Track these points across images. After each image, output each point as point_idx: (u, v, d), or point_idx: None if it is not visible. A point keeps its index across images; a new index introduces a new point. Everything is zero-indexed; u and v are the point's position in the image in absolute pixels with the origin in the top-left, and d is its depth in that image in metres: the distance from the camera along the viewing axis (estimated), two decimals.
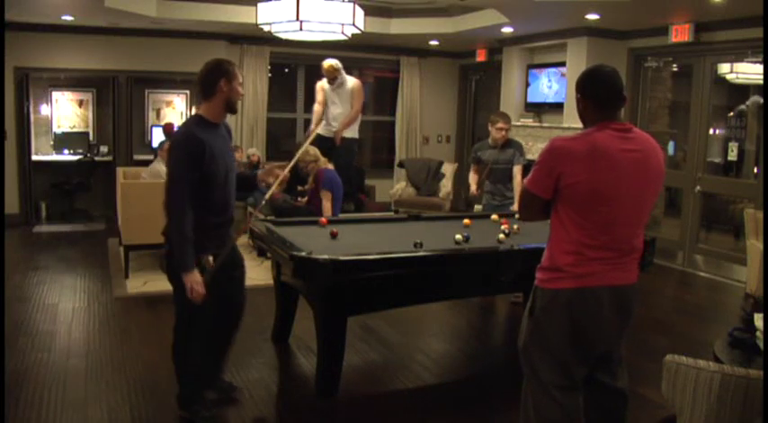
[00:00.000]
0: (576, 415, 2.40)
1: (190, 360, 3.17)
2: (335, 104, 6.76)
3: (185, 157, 2.79)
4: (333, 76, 6.65)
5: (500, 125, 5.32)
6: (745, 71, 6.83)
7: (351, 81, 6.78)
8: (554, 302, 2.31)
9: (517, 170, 5.30)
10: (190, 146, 2.80)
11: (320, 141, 6.42)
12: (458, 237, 3.85)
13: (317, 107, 6.88)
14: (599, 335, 2.34)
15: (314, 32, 5.28)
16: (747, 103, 7.00)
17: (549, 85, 8.13)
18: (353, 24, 5.17)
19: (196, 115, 2.95)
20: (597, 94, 2.31)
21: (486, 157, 5.41)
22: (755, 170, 6.50)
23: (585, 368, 2.41)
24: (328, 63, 6.63)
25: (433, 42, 9.20)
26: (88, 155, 8.41)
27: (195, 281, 2.87)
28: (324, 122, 6.85)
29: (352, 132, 6.90)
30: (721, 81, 6.95)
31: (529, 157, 8.22)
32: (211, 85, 2.87)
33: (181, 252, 2.84)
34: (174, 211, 2.82)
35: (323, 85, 6.83)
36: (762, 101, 6.84)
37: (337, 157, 6.49)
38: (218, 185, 2.91)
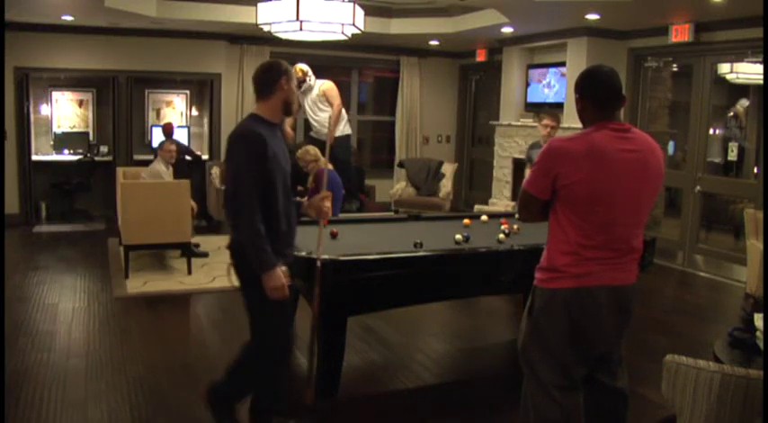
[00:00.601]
0: (576, 415, 2.40)
1: (253, 383, 2.93)
2: (317, 108, 6.99)
3: (246, 152, 2.62)
4: (302, 80, 6.86)
5: (545, 122, 5.28)
6: (745, 71, 6.84)
7: (319, 84, 6.93)
8: (553, 302, 2.31)
9: None
10: (250, 140, 2.64)
11: (313, 145, 6.63)
12: (458, 237, 3.85)
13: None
14: (598, 335, 2.34)
15: (314, 32, 5.28)
16: (737, 105, 7.03)
17: (549, 84, 8.13)
18: (353, 24, 5.17)
19: (252, 114, 2.77)
20: (595, 94, 2.31)
21: (534, 157, 5.36)
22: (755, 170, 6.50)
23: (585, 368, 2.41)
24: (299, 67, 6.87)
25: (433, 42, 9.20)
26: (88, 155, 8.41)
27: (279, 283, 2.65)
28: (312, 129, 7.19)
29: (342, 130, 7.02)
30: (721, 81, 6.95)
31: None
32: (271, 84, 2.75)
33: (259, 251, 2.61)
34: (244, 208, 2.61)
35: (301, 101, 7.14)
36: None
37: (334, 157, 6.54)
38: (277, 189, 2.71)
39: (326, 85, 6.95)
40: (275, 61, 2.86)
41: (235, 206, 2.64)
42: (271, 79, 2.76)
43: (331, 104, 6.91)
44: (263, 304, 2.72)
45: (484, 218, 4.70)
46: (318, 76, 7.03)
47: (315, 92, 6.96)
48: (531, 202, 2.35)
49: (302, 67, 6.97)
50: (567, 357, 2.34)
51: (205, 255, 6.57)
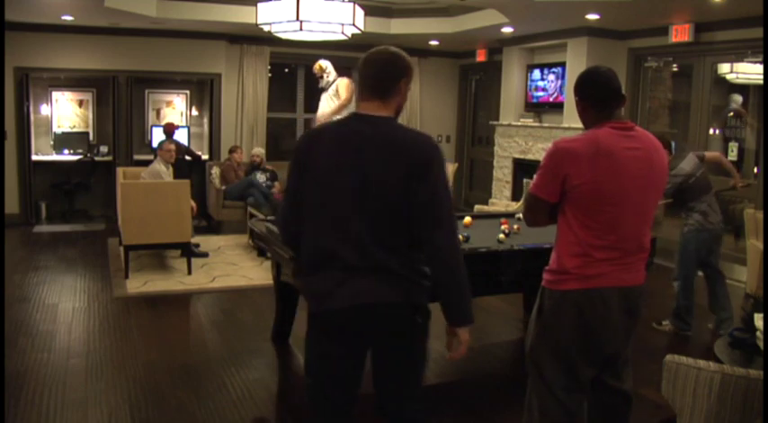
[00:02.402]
0: (580, 415, 2.39)
1: None
2: (327, 106, 6.96)
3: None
4: (320, 76, 6.91)
5: None
6: (745, 71, 6.84)
7: (338, 81, 6.93)
8: (562, 304, 2.30)
9: None
10: None
11: None
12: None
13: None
14: (608, 336, 2.32)
15: (314, 32, 5.28)
16: (732, 103, 7.04)
17: (548, 85, 8.13)
18: (353, 24, 5.17)
19: (393, 118, 2.16)
20: (594, 95, 2.31)
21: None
22: (755, 170, 6.50)
23: (594, 370, 2.38)
24: (317, 63, 6.92)
25: (433, 42, 9.20)
26: (88, 155, 8.41)
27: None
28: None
29: None
30: (721, 81, 6.95)
31: (529, 157, 8.27)
32: (396, 81, 2.13)
33: (469, 296, 2.09)
34: (458, 241, 2.06)
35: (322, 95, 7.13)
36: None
37: None
38: None
39: (342, 81, 6.87)
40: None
41: (454, 232, 2.03)
42: (396, 75, 2.12)
43: (340, 97, 6.86)
44: (425, 362, 2.19)
45: (467, 220, 4.38)
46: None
47: (332, 88, 6.90)
48: (539, 205, 2.33)
49: (321, 63, 6.97)
50: (576, 359, 2.33)
51: (205, 255, 6.57)
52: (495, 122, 8.93)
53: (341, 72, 7.04)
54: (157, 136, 8.26)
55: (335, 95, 6.91)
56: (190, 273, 5.92)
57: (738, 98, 7.07)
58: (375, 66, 2.09)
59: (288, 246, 2.18)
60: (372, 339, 2.06)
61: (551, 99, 8.11)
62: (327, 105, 6.99)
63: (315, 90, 7.16)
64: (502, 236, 4.02)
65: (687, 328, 4.67)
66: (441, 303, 2.07)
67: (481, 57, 9.48)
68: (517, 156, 8.54)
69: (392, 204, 1.96)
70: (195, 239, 6.64)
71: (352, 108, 7.06)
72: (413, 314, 2.04)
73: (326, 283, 1.99)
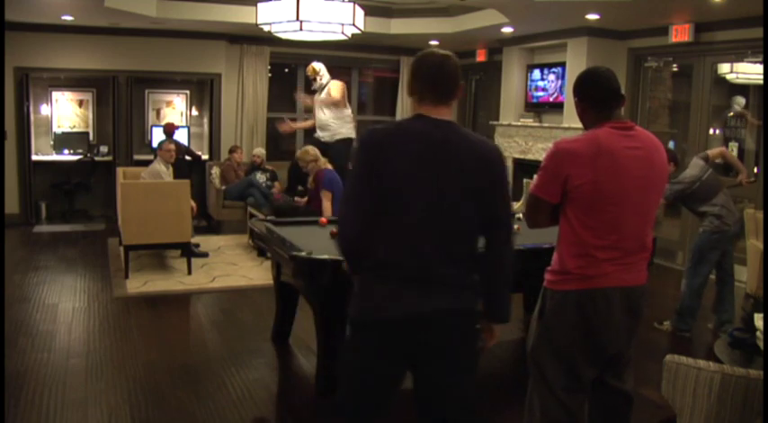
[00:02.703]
0: (580, 415, 2.39)
1: None
2: (320, 109, 7.06)
3: None
4: (313, 78, 7.10)
5: None
6: (745, 71, 6.83)
7: (331, 84, 7.13)
8: (564, 304, 2.29)
9: None
10: None
11: (315, 145, 6.74)
12: None
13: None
14: (610, 337, 2.31)
15: (314, 32, 5.28)
16: (734, 105, 7.04)
17: (549, 85, 8.13)
18: (353, 24, 5.18)
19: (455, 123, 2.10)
20: (593, 95, 2.31)
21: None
22: (756, 170, 6.49)
23: (595, 370, 2.38)
24: (310, 65, 7.16)
25: (433, 42, 9.19)
26: (88, 155, 8.41)
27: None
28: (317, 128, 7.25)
29: (348, 132, 7.06)
30: (721, 81, 6.95)
31: (529, 157, 8.27)
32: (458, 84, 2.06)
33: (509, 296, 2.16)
34: (514, 241, 2.13)
35: (315, 96, 7.27)
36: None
37: (335, 158, 6.57)
38: None
39: (335, 83, 7.04)
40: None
41: (513, 234, 2.13)
42: (457, 77, 2.05)
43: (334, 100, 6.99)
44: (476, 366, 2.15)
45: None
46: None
47: (325, 91, 7.02)
48: (541, 206, 2.33)
49: (314, 65, 7.13)
50: (577, 359, 2.32)
51: (205, 255, 6.57)
52: (495, 122, 8.93)
53: (340, 73, 7.10)
54: (157, 136, 8.26)
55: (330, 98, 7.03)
56: (190, 273, 5.92)
57: (741, 100, 7.07)
58: (434, 69, 2.01)
59: (348, 256, 2.06)
60: (429, 350, 2.02)
61: (551, 99, 8.11)
62: (320, 110, 7.08)
63: (314, 91, 7.24)
64: None
65: (686, 328, 4.67)
66: (484, 299, 2.08)
67: (481, 57, 9.47)
68: (517, 156, 8.53)
69: (465, 212, 1.95)
70: (195, 239, 6.64)
71: (349, 112, 7.20)
72: (473, 323, 2.05)
73: (387, 292, 1.94)
